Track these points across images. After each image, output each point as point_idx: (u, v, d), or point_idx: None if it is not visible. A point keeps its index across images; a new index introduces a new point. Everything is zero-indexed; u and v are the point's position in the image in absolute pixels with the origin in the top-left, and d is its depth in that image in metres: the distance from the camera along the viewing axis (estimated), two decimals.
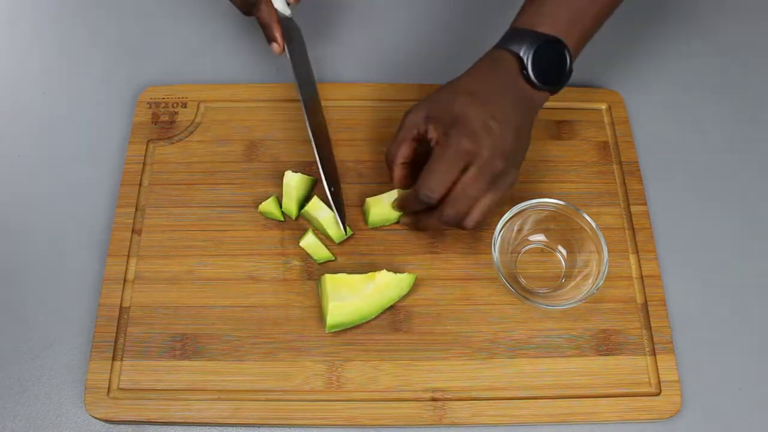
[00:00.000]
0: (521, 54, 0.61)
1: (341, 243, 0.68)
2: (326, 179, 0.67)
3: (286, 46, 0.68)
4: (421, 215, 0.65)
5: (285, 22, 0.69)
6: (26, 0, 0.85)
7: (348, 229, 0.68)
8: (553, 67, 0.62)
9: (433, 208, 0.62)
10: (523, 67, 0.61)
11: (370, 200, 0.68)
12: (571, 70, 0.62)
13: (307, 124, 0.67)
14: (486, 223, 0.65)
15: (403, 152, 0.64)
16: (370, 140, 0.74)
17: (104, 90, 0.78)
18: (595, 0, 0.63)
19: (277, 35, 0.67)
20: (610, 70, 0.80)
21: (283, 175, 0.69)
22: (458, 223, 0.61)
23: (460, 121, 0.59)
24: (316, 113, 0.69)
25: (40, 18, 0.84)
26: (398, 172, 0.65)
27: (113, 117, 0.76)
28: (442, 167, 0.59)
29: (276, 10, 0.68)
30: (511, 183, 0.61)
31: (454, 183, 0.59)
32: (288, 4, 0.70)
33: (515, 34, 0.62)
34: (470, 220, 0.61)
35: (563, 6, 0.62)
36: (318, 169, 0.67)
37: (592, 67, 0.80)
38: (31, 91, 0.79)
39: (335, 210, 0.66)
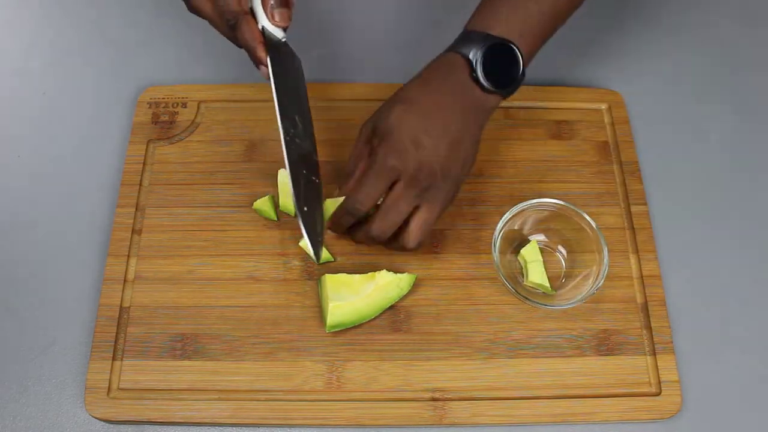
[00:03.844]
0: (471, 57, 0.60)
1: (339, 243, 0.68)
2: (297, 201, 0.59)
3: (270, 71, 0.59)
4: (355, 230, 0.64)
5: (276, 48, 0.60)
6: (26, 0, 0.85)
7: (328, 254, 0.67)
8: (504, 70, 0.61)
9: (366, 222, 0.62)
10: (473, 70, 0.60)
11: (329, 201, 0.64)
12: (523, 74, 0.61)
13: (285, 155, 0.60)
14: (487, 223, 0.65)
15: (359, 163, 0.63)
16: None
17: (104, 90, 0.78)
18: (551, 3, 0.62)
19: (263, 57, 0.58)
20: (610, 70, 0.80)
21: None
22: (398, 243, 0.62)
23: (391, 134, 0.59)
24: (303, 137, 0.62)
25: (40, 18, 0.84)
26: (351, 184, 0.63)
27: (113, 117, 0.76)
28: (369, 181, 0.59)
29: (265, 32, 0.60)
30: (447, 197, 0.61)
31: (384, 198, 0.60)
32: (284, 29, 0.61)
33: (467, 36, 0.61)
34: (408, 240, 0.61)
35: (517, 9, 0.61)
36: (291, 192, 0.59)
37: (592, 67, 0.81)
38: (31, 91, 0.79)
39: (306, 234, 0.59)
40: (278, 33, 0.59)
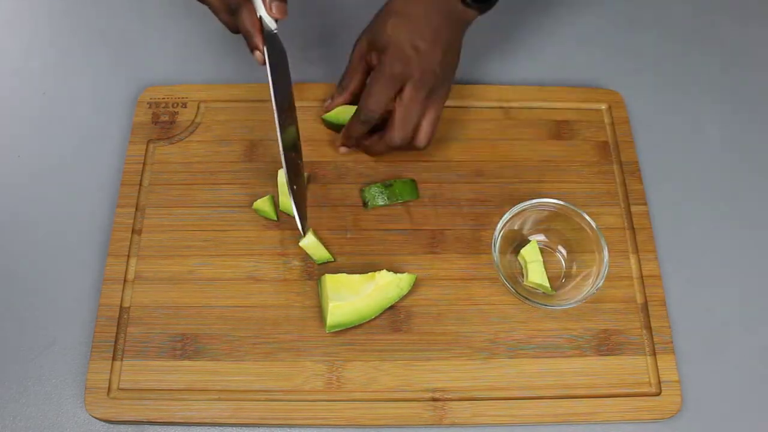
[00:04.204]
0: None
1: (340, 243, 0.68)
2: (289, 179, 0.63)
3: (267, 58, 0.63)
4: (372, 142, 0.69)
5: (269, 38, 0.63)
6: (26, 0, 0.85)
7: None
8: None
9: (375, 133, 0.68)
10: None
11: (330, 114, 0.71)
12: None
13: (279, 135, 0.63)
14: (487, 223, 0.65)
15: (355, 82, 0.69)
16: None
17: (104, 90, 0.78)
18: None
19: (259, 43, 0.62)
20: (610, 70, 0.80)
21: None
22: (409, 144, 0.67)
23: (391, 44, 0.63)
24: (289, 124, 0.66)
25: (40, 18, 0.84)
26: (345, 97, 0.70)
27: (113, 117, 0.76)
28: (379, 89, 0.64)
29: (261, 21, 0.63)
30: (445, 96, 0.67)
31: (395, 106, 0.64)
32: (275, 21, 0.64)
33: None
34: (421, 138, 0.66)
35: None
36: (284, 171, 0.63)
37: (592, 67, 0.81)
38: (31, 91, 0.79)
39: (295, 210, 0.63)
40: (272, 24, 0.63)
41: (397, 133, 0.65)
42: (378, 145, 0.68)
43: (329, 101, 0.72)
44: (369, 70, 0.68)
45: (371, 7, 0.67)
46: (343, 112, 0.71)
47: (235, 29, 0.64)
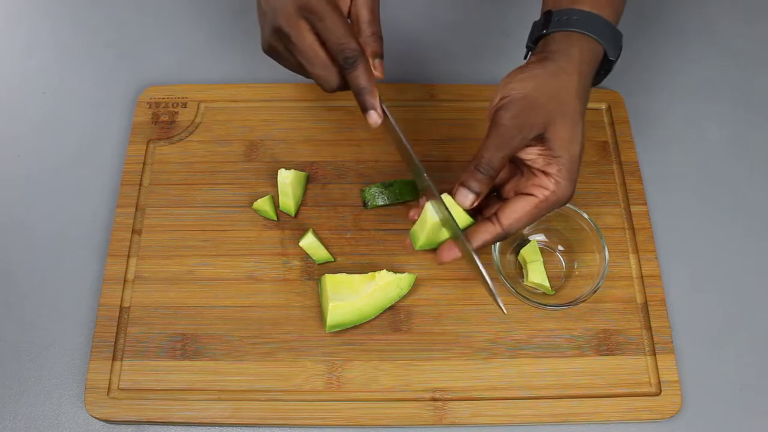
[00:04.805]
0: (610, 57, 0.57)
1: (340, 245, 0.69)
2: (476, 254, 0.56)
3: (387, 114, 0.57)
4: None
5: None
6: (26, 0, 0.85)
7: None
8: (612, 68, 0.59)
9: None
10: (603, 70, 0.58)
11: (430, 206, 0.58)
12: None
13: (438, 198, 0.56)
14: None
15: (502, 169, 0.55)
16: (371, 140, 0.74)
17: (104, 90, 0.78)
18: None
19: (376, 103, 0.55)
20: None
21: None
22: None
23: (574, 169, 0.55)
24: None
25: (39, 18, 0.84)
26: (487, 190, 0.55)
27: (113, 117, 0.76)
28: (532, 220, 0.56)
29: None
30: None
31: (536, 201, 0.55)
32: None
33: (588, 19, 0.56)
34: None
35: None
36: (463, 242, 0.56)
37: None
38: (31, 91, 0.79)
39: (494, 290, 0.56)
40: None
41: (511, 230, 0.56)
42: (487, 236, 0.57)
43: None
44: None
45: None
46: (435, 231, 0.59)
47: (334, 86, 0.56)
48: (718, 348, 0.66)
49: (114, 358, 0.63)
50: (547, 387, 0.63)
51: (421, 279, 0.67)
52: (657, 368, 0.64)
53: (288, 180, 0.68)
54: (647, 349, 0.65)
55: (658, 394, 0.63)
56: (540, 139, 0.54)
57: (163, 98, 0.76)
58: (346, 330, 0.64)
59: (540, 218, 0.56)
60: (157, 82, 0.78)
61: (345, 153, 0.73)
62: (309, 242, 0.67)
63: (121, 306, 0.65)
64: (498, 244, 0.64)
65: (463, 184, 0.55)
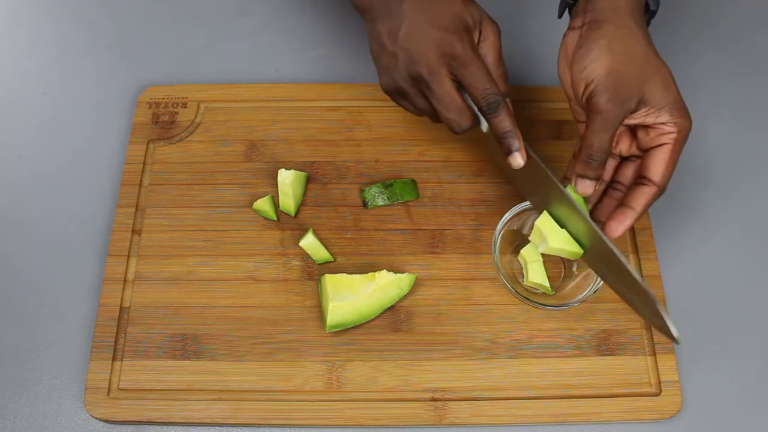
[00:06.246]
0: (652, 7, 0.59)
1: (340, 243, 0.69)
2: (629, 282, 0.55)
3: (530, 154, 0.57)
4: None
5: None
6: (26, 0, 0.85)
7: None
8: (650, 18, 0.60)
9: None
10: (646, 15, 0.59)
11: (540, 224, 0.60)
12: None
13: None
14: (487, 223, 0.64)
15: (612, 145, 0.56)
16: (370, 140, 0.74)
17: (104, 90, 0.78)
18: None
19: (521, 145, 0.56)
20: None
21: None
22: None
23: (681, 107, 0.56)
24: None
25: (39, 18, 0.84)
26: (602, 171, 0.56)
27: (113, 117, 0.76)
28: (676, 163, 0.56)
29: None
30: None
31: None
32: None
33: None
34: None
35: None
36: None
37: None
38: (31, 91, 0.79)
39: (667, 319, 0.52)
40: (485, 125, 0.58)
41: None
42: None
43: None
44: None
45: None
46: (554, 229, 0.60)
47: (466, 129, 0.57)
48: (718, 348, 0.66)
49: (114, 358, 0.63)
50: (548, 387, 0.63)
51: (421, 279, 0.67)
52: (657, 368, 0.64)
53: (288, 180, 0.68)
54: (647, 349, 0.65)
55: (658, 394, 0.63)
56: (640, 103, 0.55)
57: (163, 98, 0.76)
58: (346, 330, 0.64)
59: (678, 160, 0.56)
60: (157, 82, 0.78)
61: (345, 153, 0.73)
62: (309, 242, 0.67)
63: (121, 306, 0.65)
64: (498, 244, 0.64)
65: (580, 176, 0.56)
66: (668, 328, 0.52)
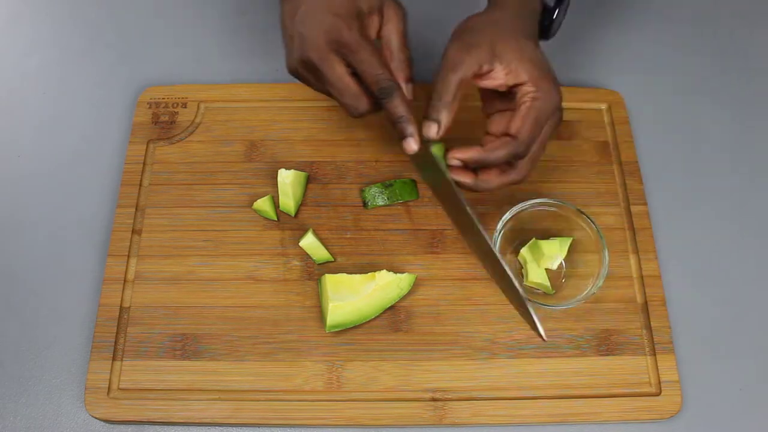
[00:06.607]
0: (546, 3, 0.61)
1: (340, 244, 0.69)
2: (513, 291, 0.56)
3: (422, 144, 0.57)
4: (490, 176, 0.59)
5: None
6: (26, 0, 0.85)
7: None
8: (557, 23, 0.63)
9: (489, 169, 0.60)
10: (547, 21, 0.62)
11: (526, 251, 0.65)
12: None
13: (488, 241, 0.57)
14: (487, 223, 0.64)
15: (458, 93, 0.56)
16: (371, 140, 0.74)
17: (104, 90, 0.78)
18: None
19: (414, 130, 0.56)
20: (610, 70, 0.80)
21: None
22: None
23: (543, 69, 0.57)
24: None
25: (40, 18, 0.84)
26: (449, 116, 0.57)
27: (113, 117, 0.77)
28: (542, 119, 0.57)
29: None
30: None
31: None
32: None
33: None
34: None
35: None
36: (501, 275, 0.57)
37: (592, 67, 0.81)
38: (31, 91, 0.79)
39: (536, 318, 0.55)
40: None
41: (527, 172, 0.59)
42: (493, 182, 0.59)
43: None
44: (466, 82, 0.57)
45: None
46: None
47: (363, 113, 0.58)
48: (718, 348, 0.66)
49: (114, 358, 0.63)
50: (547, 387, 0.63)
51: (421, 279, 0.67)
52: (657, 368, 0.64)
53: (288, 180, 0.68)
54: (647, 349, 0.65)
55: (658, 394, 0.63)
56: (494, 60, 0.56)
57: (163, 98, 0.76)
58: (346, 330, 0.64)
59: (542, 124, 0.57)
60: (157, 82, 0.78)
61: (345, 153, 0.73)
62: (309, 242, 0.67)
63: (121, 306, 0.65)
64: (498, 243, 0.64)
65: (425, 118, 0.57)
66: (535, 324, 0.55)
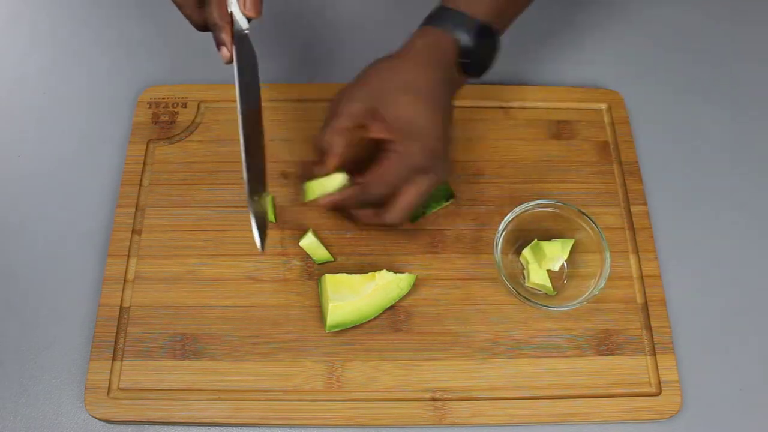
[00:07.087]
0: (462, 43, 0.60)
1: (340, 243, 0.68)
2: (251, 189, 0.59)
3: (235, 56, 0.57)
4: (366, 216, 0.64)
5: (239, 37, 0.58)
6: (26, 0, 0.85)
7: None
8: (487, 59, 0.63)
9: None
10: (461, 56, 0.61)
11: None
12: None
13: (241, 135, 0.60)
14: (487, 223, 0.64)
15: (342, 142, 0.60)
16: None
17: (104, 90, 0.78)
18: None
19: (227, 39, 0.56)
20: (610, 70, 0.80)
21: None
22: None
23: (413, 130, 0.59)
24: (254, 125, 0.61)
25: (40, 18, 0.84)
26: (335, 161, 0.61)
27: (113, 117, 0.76)
28: (395, 175, 0.59)
29: (233, 18, 0.58)
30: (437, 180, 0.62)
31: (404, 190, 0.60)
32: (248, 20, 0.58)
33: (449, 15, 0.61)
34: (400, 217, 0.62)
35: None
36: (244, 181, 0.59)
37: (592, 67, 0.81)
38: (31, 91, 0.79)
39: (254, 222, 0.58)
40: (243, 23, 0.58)
41: (400, 216, 0.61)
42: (370, 219, 0.64)
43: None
44: (354, 132, 0.61)
45: (366, 5, 0.67)
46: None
47: (202, 25, 0.58)
48: (718, 348, 0.66)
49: (114, 358, 0.63)
50: (547, 387, 0.63)
51: (421, 279, 0.67)
52: (657, 368, 0.64)
53: (308, 241, 0.68)
54: (647, 349, 0.65)
55: (658, 394, 0.63)
56: (370, 117, 0.59)
57: (163, 98, 0.76)
58: (346, 330, 0.64)
59: (395, 180, 0.59)
60: (157, 82, 0.78)
61: None
62: (309, 242, 0.67)
63: (121, 306, 0.65)
64: (500, 244, 0.64)
65: (314, 162, 0.62)
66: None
